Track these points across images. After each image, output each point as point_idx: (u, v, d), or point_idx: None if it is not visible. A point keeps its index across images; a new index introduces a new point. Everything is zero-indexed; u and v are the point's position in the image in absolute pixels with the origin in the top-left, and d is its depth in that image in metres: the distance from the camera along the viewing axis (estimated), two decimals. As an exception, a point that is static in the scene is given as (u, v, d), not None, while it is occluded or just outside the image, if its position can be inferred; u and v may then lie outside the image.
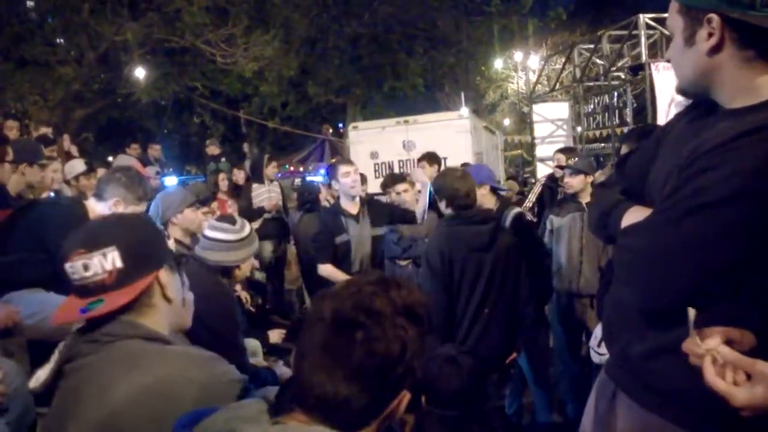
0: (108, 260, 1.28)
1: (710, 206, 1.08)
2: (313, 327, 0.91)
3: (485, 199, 3.60)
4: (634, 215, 1.29)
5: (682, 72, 1.25)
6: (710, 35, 1.14)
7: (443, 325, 2.94)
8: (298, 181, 10.65)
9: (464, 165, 5.31)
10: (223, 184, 6.92)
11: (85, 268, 1.28)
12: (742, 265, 1.09)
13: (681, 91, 1.30)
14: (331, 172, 4.08)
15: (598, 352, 2.64)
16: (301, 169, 14.07)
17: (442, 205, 3.17)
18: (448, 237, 3.03)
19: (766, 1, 1.08)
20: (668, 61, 1.29)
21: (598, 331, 2.66)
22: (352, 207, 3.93)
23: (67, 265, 1.30)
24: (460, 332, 2.98)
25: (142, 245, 1.35)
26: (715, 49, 1.15)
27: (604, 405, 1.41)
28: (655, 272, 1.16)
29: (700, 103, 1.29)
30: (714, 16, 1.12)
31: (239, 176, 7.25)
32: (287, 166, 13.98)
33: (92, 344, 1.28)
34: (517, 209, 3.79)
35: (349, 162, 4.10)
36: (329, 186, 5.66)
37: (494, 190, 3.75)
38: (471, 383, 2.16)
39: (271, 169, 6.91)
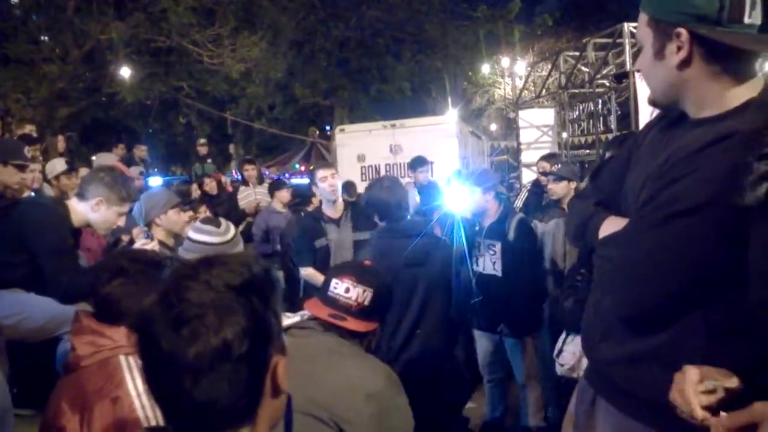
0: (363, 295, 1.80)
1: (682, 215, 1.10)
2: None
3: (491, 205, 3.57)
4: (610, 226, 1.31)
5: (652, 84, 1.28)
6: (679, 49, 1.17)
7: None
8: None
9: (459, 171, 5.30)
10: (211, 186, 6.86)
11: (347, 290, 1.80)
12: (717, 271, 1.11)
13: (652, 102, 1.32)
14: (311, 177, 4.04)
15: (559, 362, 2.67)
16: (287, 173, 14.04)
17: (375, 218, 3.08)
18: (381, 250, 2.91)
19: (732, 18, 1.11)
20: (638, 71, 1.31)
21: (560, 342, 2.68)
22: (333, 211, 3.90)
23: (336, 280, 1.82)
24: (390, 353, 2.71)
25: (384, 301, 1.87)
26: (684, 63, 1.17)
27: (583, 410, 1.43)
28: (632, 281, 1.18)
29: (670, 112, 1.31)
30: (683, 31, 1.15)
31: (226, 180, 7.23)
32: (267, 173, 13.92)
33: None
34: (520, 215, 3.80)
35: (327, 166, 4.08)
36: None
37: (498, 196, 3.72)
38: None
39: (252, 172, 6.89)
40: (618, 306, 1.24)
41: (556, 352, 2.73)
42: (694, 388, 1.02)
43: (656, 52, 1.21)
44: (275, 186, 6.13)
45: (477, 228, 3.67)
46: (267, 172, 15.09)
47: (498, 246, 3.54)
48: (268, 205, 6.07)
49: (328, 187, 3.83)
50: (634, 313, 1.21)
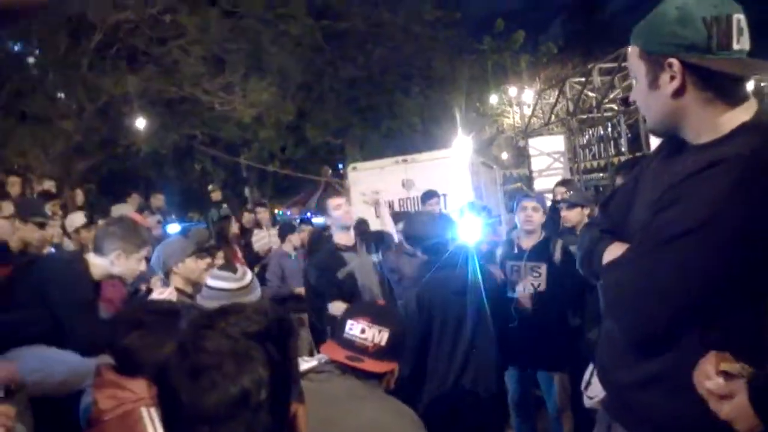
0: (379, 336, 1.79)
1: (678, 236, 1.13)
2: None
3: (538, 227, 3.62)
4: (614, 251, 1.34)
5: (649, 114, 1.31)
6: (672, 79, 1.20)
7: (413, 371, 2.86)
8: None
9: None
10: (235, 227, 6.83)
11: (362, 331, 1.78)
12: (712, 292, 1.12)
13: (651, 131, 1.36)
14: (323, 208, 4.07)
15: (588, 395, 2.62)
16: (310, 211, 14.14)
17: (417, 251, 3.16)
18: (428, 284, 2.97)
19: (721, 45, 1.14)
20: (633, 102, 1.35)
21: (587, 374, 2.64)
22: (347, 239, 3.91)
23: (351, 321, 1.81)
24: (450, 376, 2.88)
25: (402, 341, 1.85)
26: (679, 92, 1.21)
27: None
28: (634, 305, 1.21)
29: (674, 138, 1.34)
30: (674, 61, 1.18)
31: (249, 219, 7.27)
32: (280, 213, 14.03)
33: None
34: (561, 241, 3.78)
35: (338, 194, 4.14)
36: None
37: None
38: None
39: (263, 214, 6.94)
40: (623, 331, 1.27)
41: (584, 384, 2.67)
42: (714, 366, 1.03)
43: (650, 82, 1.25)
44: (285, 230, 6.13)
45: (516, 251, 3.63)
46: (289, 213, 15.21)
47: (543, 268, 3.51)
48: (278, 248, 6.08)
49: (343, 214, 3.85)
50: (638, 336, 1.23)
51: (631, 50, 1.28)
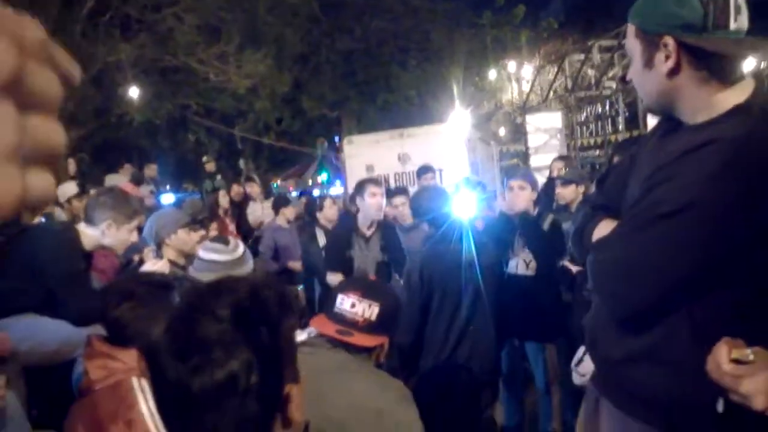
0: (369, 310, 1.78)
1: (667, 216, 1.14)
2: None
3: (530, 205, 3.62)
4: (604, 228, 1.35)
5: (645, 93, 1.31)
6: (667, 58, 1.19)
7: (412, 343, 2.93)
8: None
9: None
10: (225, 200, 6.81)
11: (353, 306, 1.78)
12: (698, 271, 1.14)
13: (648, 109, 1.37)
14: (358, 190, 4.03)
15: (578, 372, 2.66)
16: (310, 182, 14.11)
17: (424, 225, 3.19)
18: (428, 257, 3.02)
19: (717, 24, 1.13)
20: (630, 81, 1.34)
21: (580, 352, 2.68)
22: (366, 228, 3.93)
23: (342, 295, 1.80)
24: (446, 349, 2.95)
25: (392, 315, 1.84)
26: (674, 71, 1.20)
27: (588, 410, 1.47)
28: (622, 282, 1.23)
29: (670, 118, 1.34)
30: (669, 40, 1.18)
31: (238, 192, 7.23)
32: (275, 185, 13.97)
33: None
34: (552, 216, 3.80)
35: (377, 183, 4.06)
36: (333, 201, 5.69)
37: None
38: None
39: (255, 188, 6.93)
40: (610, 306, 1.29)
41: (575, 361, 2.70)
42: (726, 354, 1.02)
43: (646, 61, 1.24)
44: (280, 202, 6.11)
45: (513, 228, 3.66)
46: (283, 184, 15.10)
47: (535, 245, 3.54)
48: (272, 221, 6.06)
49: (375, 205, 3.86)
50: (625, 313, 1.25)
51: (629, 29, 1.28)
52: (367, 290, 1.85)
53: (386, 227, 4.07)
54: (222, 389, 0.81)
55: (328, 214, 5.14)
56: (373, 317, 1.80)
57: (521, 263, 3.56)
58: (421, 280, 2.95)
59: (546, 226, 3.59)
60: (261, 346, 0.84)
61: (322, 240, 4.86)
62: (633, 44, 1.27)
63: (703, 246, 1.12)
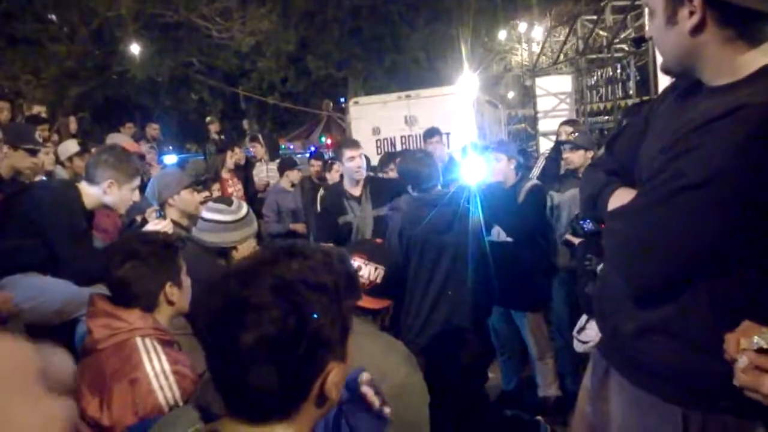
0: (375, 273, 1.83)
1: (691, 188, 1.09)
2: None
3: (511, 174, 3.67)
4: (620, 197, 1.30)
5: (665, 51, 1.24)
6: (692, 14, 1.12)
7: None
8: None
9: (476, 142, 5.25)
10: (231, 161, 6.66)
11: (359, 269, 1.78)
12: (721, 245, 1.09)
13: (665, 70, 1.29)
14: (337, 154, 4.09)
15: (580, 339, 2.66)
16: (313, 146, 14.00)
17: (408, 188, 3.19)
18: (410, 218, 3.02)
19: None
20: (650, 38, 1.27)
21: (582, 320, 2.67)
22: (354, 189, 3.97)
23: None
24: (422, 313, 2.94)
25: (396, 279, 1.89)
26: (698, 29, 1.13)
27: (597, 382, 1.44)
28: (640, 255, 1.18)
29: (686, 79, 1.28)
30: None
31: (240, 156, 7.14)
32: (283, 146, 13.89)
33: None
34: (534, 181, 3.79)
35: (354, 145, 4.06)
36: (325, 163, 5.63)
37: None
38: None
39: (259, 149, 6.85)
40: (627, 280, 1.24)
41: (577, 329, 2.70)
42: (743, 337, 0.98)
43: (668, 17, 1.17)
44: (286, 165, 6.04)
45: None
46: (291, 146, 15.01)
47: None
48: (276, 183, 6.01)
49: (354, 167, 3.90)
50: (642, 286, 1.21)
51: None
52: (373, 253, 1.88)
53: (372, 181, 4.09)
54: (270, 348, 0.82)
55: (336, 177, 5.10)
56: (379, 280, 1.84)
57: (502, 232, 3.58)
58: (400, 241, 2.95)
59: (522, 196, 3.55)
60: (317, 317, 0.84)
61: (325, 202, 4.85)
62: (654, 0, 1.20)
63: (727, 220, 1.07)
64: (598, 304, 1.42)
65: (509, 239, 3.54)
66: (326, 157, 7.23)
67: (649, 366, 1.23)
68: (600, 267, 2.80)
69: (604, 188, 1.37)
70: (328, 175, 5.25)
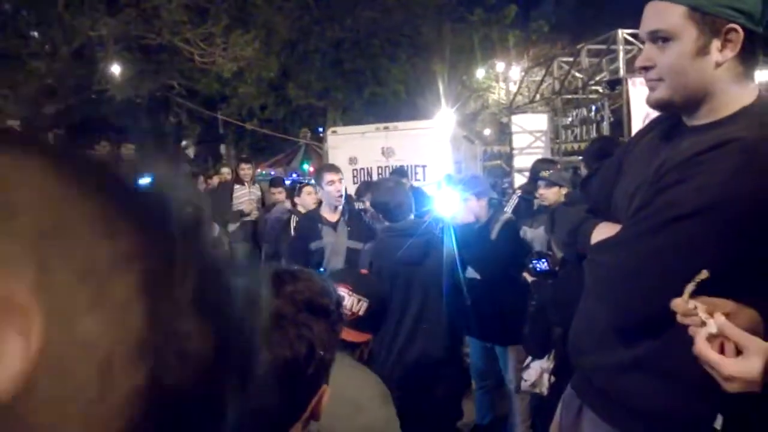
0: (358, 305, 1.76)
1: (681, 219, 1.09)
2: None
3: (484, 212, 3.53)
4: (603, 231, 1.28)
5: (682, 81, 1.17)
6: (724, 47, 1.11)
7: None
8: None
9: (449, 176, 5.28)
10: (200, 187, 6.72)
11: (341, 299, 1.65)
12: (719, 274, 1.07)
13: (665, 103, 1.21)
14: (317, 179, 4.04)
15: (524, 378, 2.66)
16: (294, 172, 13.99)
17: (383, 218, 3.16)
18: (379, 250, 2.99)
19: (764, 19, 1.09)
20: (646, 69, 1.21)
21: (528, 359, 2.68)
22: (332, 215, 3.90)
23: None
24: (395, 347, 2.89)
25: (381, 313, 1.82)
26: (720, 63, 1.13)
27: (569, 419, 1.40)
28: (629, 287, 1.16)
29: (660, 122, 1.29)
30: (739, 29, 1.10)
31: (221, 177, 7.11)
32: (263, 173, 13.86)
33: None
34: (508, 215, 3.78)
35: (334, 170, 4.02)
36: (313, 188, 5.64)
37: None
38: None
39: (248, 171, 6.81)
40: (613, 313, 1.23)
41: (523, 366, 2.71)
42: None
43: (699, 48, 1.13)
44: (274, 184, 6.14)
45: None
46: (273, 173, 14.95)
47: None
48: (281, 204, 6.01)
49: (334, 192, 3.83)
50: (628, 319, 1.19)
51: (671, 8, 1.15)
52: (357, 284, 1.81)
53: (352, 213, 4.04)
54: (285, 369, 0.83)
55: (306, 200, 5.05)
56: (362, 312, 1.76)
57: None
58: (370, 271, 2.91)
59: (494, 234, 3.55)
60: (322, 340, 0.87)
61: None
62: (681, 27, 1.13)
63: (720, 250, 1.07)
64: (574, 338, 1.39)
65: (480, 277, 3.50)
66: (295, 182, 7.33)
67: (628, 404, 1.21)
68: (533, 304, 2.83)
69: (584, 222, 1.36)
70: (297, 200, 5.21)
